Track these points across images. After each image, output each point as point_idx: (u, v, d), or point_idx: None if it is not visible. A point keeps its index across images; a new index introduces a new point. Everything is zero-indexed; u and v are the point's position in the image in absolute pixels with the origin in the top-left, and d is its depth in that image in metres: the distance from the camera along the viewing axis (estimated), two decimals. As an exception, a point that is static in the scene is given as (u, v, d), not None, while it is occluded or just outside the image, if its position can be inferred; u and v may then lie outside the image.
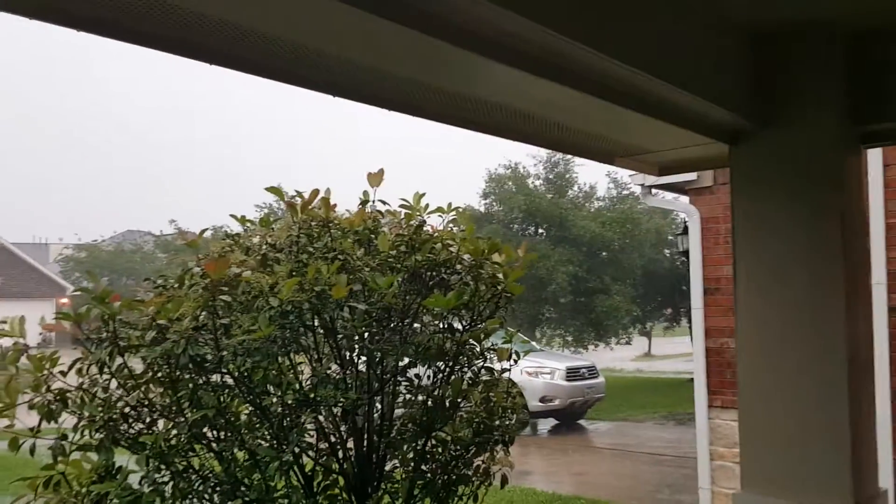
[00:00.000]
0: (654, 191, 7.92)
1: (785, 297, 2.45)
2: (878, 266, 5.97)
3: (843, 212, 2.39)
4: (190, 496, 3.55)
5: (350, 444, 4.11)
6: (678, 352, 32.02)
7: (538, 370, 14.96)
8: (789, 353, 2.43)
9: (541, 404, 14.84)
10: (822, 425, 2.37)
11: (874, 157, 5.96)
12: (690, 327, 7.67)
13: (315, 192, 3.84)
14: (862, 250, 2.59)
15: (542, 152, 24.04)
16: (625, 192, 24.96)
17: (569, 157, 23.33)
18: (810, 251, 2.41)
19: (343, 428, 4.07)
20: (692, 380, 7.51)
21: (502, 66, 1.85)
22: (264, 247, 3.77)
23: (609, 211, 24.27)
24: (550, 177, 24.59)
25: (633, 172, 7.99)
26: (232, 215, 4.00)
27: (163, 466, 3.47)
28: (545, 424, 15.99)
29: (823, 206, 2.40)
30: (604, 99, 2.14)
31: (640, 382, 24.41)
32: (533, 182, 24.27)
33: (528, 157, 24.25)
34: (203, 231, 3.76)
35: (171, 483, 3.48)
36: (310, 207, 3.86)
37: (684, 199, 7.53)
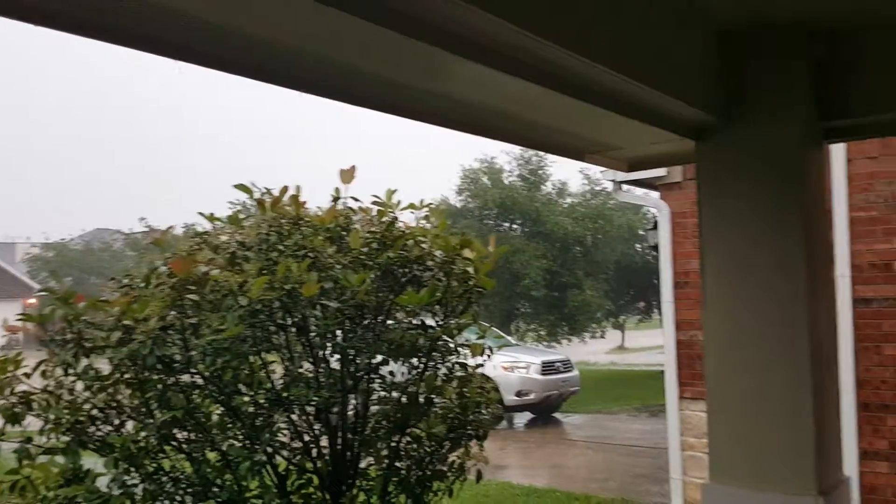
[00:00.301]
0: (624, 186, 7.98)
1: (750, 289, 2.48)
2: (842, 259, 6.07)
3: (806, 206, 2.42)
4: (160, 498, 3.51)
5: (324, 443, 4.09)
6: (651, 344, 32.32)
7: (514, 365, 15.01)
8: (754, 345, 2.46)
9: (517, 398, 14.91)
10: (787, 415, 2.40)
11: (838, 153, 6.06)
12: (662, 320, 7.75)
13: (284, 189, 3.82)
14: (825, 243, 2.63)
15: (516, 148, 24.14)
16: (597, 188, 25.14)
17: (542, 153, 23.44)
18: (774, 244, 2.44)
19: (317, 426, 4.05)
20: (663, 372, 7.58)
21: (470, 62, 1.84)
22: (233, 245, 3.74)
23: (582, 207, 24.41)
24: (524, 173, 24.68)
25: (604, 169, 8.04)
26: (200, 213, 3.95)
27: (132, 469, 3.43)
28: (521, 418, 16.06)
29: (787, 201, 2.43)
30: (571, 96, 2.14)
31: (614, 375, 24.60)
32: (507, 178, 24.36)
33: (503, 154, 24.41)
34: (169, 228, 3.72)
35: (141, 485, 3.44)
36: (279, 205, 3.83)
37: (654, 194, 7.59)
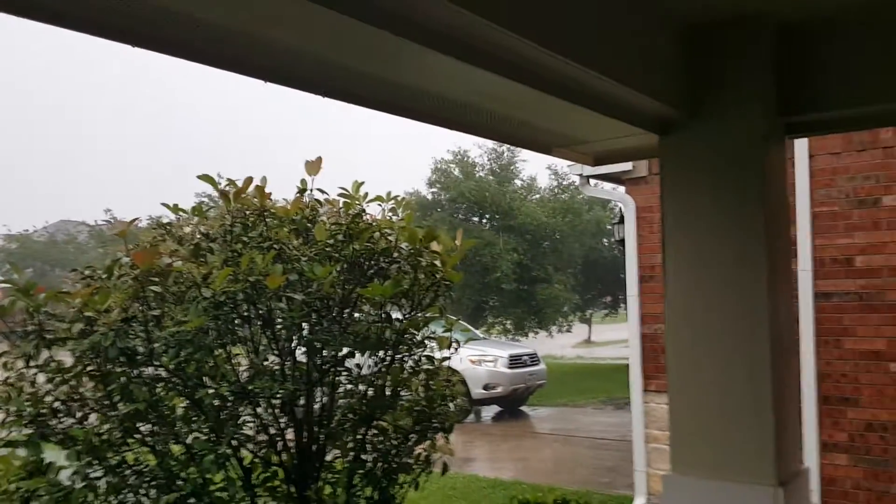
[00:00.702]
0: (592, 181, 8.03)
1: (711, 283, 2.51)
2: (804, 254, 6.17)
3: (768, 200, 2.46)
4: (124, 491, 3.47)
5: (290, 436, 4.07)
6: (617, 338, 32.61)
7: (481, 358, 15.08)
8: (715, 338, 2.50)
9: (484, 392, 14.98)
10: (747, 407, 2.44)
11: (801, 148, 6.16)
12: (628, 314, 7.84)
13: (249, 180, 3.78)
14: (785, 237, 2.67)
15: (488, 143, 24.22)
16: (565, 182, 25.32)
17: (514, 148, 23.56)
18: (735, 238, 2.48)
19: (282, 419, 4.03)
20: (629, 365, 7.66)
21: (440, 55, 1.84)
22: (197, 236, 3.70)
23: (551, 202, 24.56)
24: (495, 168, 24.77)
25: (572, 163, 8.09)
26: (164, 204, 3.89)
27: (95, 461, 3.39)
28: (489, 412, 16.13)
29: (747, 195, 2.47)
30: (539, 89, 2.15)
31: (581, 369, 24.80)
32: (479, 172, 24.44)
33: (475, 147, 24.47)
34: (133, 220, 3.66)
35: (103, 478, 3.40)
36: (244, 196, 3.80)
37: (621, 189, 7.66)
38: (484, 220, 23.84)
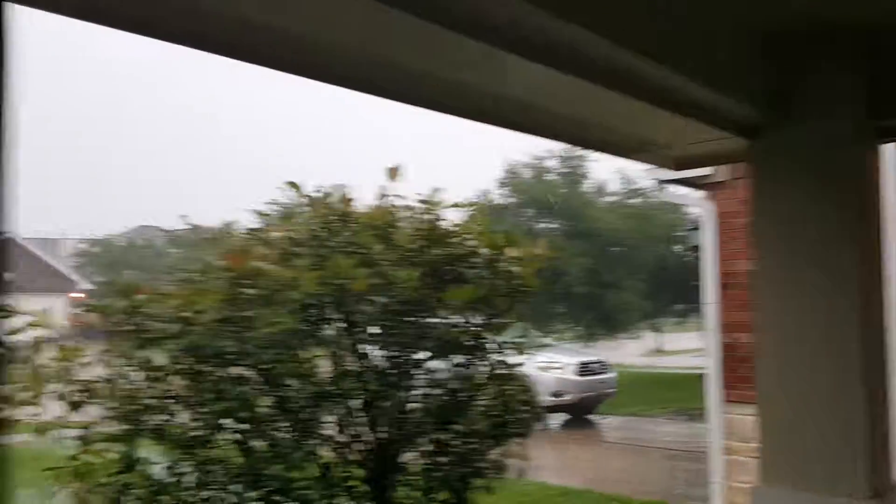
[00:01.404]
0: (668, 185, 7.91)
1: (802, 291, 2.46)
2: (891, 263, 5.95)
3: (860, 207, 2.41)
4: (211, 486, 3.60)
5: (368, 437, 4.14)
6: (688, 347, 31.93)
7: (550, 365, 14.99)
8: (807, 348, 2.45)
9: (552, 399, 14.88)
10: (840, 418, 2.39)
11: (889, 154, 5.95)
12: (701, 323, 7.69)
13: (334, 187, 3.88)
14: (878, 246, 2.61)
15: (557, 146, 24.09)
16: (635, 187, 24.97)
17: (583, 151, 23.39)
18: (827, 246, 2.43)
19: (361, 420, 4.10)
20: (702, 375, 7.51)
21: (525, 61, 1.86)
22: (285, 241, 3.81)
23: (621, 206, 24.28)
24: (565, 171, 24.64)
25: (649, 167, 8.00)
26: (256, 210, 4.04)
27: (185, 457, 3.52)
28: (556, 419, 16.02)
29: (841, 201, 2.42)
30: (621, 92, 2.15)
31: (651, 378, 24.36)
32: (549, 175, 24.36)
33: (546, 150, 24.42)
34: (226, 225, 3.81)
35: (194, 474, 3.53)
36: (328, 202, 3.90)
37: (698, 193, 7.50)
38: (553, 225, 23.71)
